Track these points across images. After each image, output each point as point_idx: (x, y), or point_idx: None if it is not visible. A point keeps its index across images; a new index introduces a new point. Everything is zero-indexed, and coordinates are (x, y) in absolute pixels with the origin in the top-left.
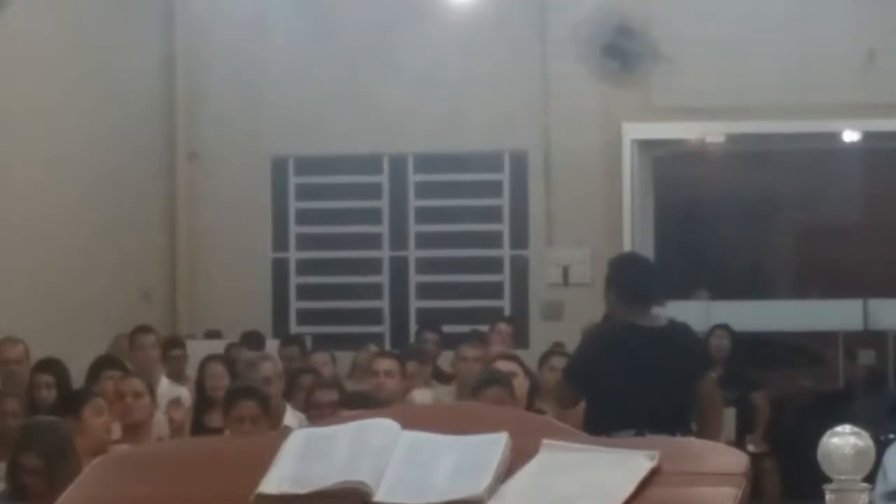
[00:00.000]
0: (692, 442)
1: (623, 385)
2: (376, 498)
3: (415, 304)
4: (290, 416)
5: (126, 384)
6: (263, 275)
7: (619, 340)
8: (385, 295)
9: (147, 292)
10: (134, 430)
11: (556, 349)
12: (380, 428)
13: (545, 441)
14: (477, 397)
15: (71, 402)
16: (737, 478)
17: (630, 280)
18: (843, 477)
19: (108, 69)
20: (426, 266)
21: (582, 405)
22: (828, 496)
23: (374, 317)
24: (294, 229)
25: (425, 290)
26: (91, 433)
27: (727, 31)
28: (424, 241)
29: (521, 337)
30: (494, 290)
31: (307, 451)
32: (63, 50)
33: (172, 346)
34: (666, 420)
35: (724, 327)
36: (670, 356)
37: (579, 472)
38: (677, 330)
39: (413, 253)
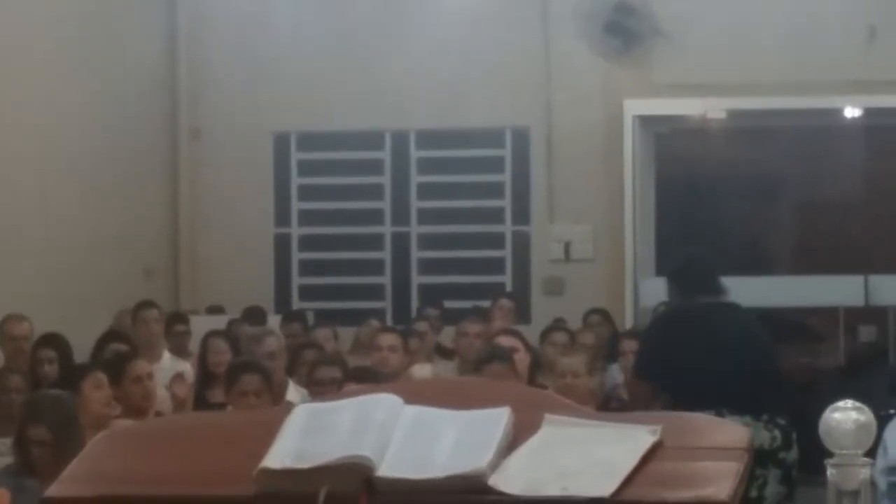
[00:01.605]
0: (694, 416)
1: (695, 361)
2: (379, 473)
3: (417, 279)
4: (293, 392)
5: (139, 367)
6: (266, 250)
7: (684, 317)
8: (387, 270)
9: (149, 268)
10: (137, 408)
11: (558, 324)
12: (382, 403)
13: (548, 416)
14: (479, 373)
15: (73, 376)
16: (738, 452)
17: (692, 277)
18: (844, 451)
19: (110, 47)
20: (428, 242)
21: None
22: (829, 470)
23: (376, 292)
24: (296, 205)
25: (427, 266)
26: (90, 407)
27: (728, 8)
28: (426, 216)
29: (522, 312)
30: (496, 266)
31: (310, 427)
32: (66, 27)
33: (175, 321)
34: (744, 398)
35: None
36: (739, 329)
37: (582, 447)
38: (741, 309)
39: (415, 229)
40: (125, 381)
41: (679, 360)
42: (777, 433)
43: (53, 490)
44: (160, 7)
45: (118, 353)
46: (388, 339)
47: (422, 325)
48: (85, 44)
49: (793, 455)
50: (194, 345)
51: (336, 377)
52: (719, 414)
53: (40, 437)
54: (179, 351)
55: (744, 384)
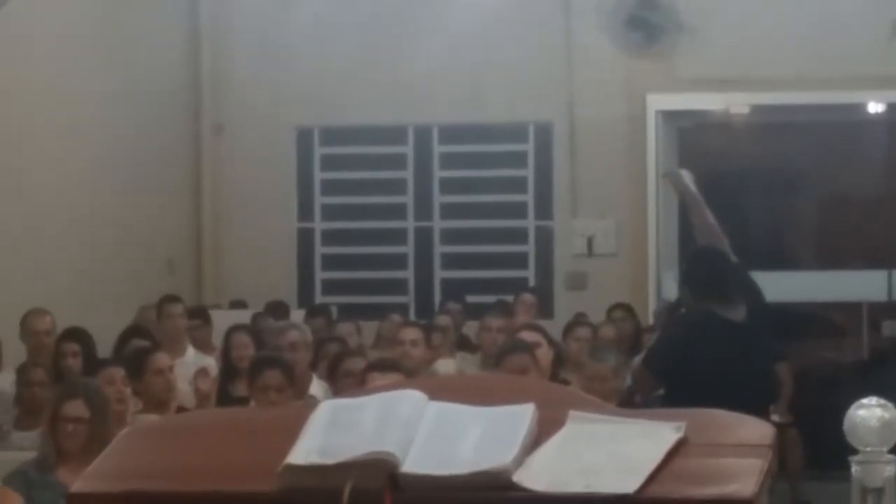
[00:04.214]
0: (718, 413)
1: (703, 377)
2: (403, 469)
3: (439, 274)
4: (316, 386)
5: (160, 359)
6: (289, 245)
7: (703, 332)
8: (410, 265)
9: (172, 263)
10: (157, 401)
11: (580, 319)
12: (407, 399)
13: (572, 412)
14: (499, 365)
15: (91, 371)
16: (763, 449)
17: (702, 277)
18: (868, 449)
19: (134, 43)
20: (451, 237)
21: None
22: (853, 468)
23: (398, 287)
24: (319, 200)
25: (450, 261)
26: None
27: (751, 3)
28: (449, 211)
29: (545, 307)
30: (519, 261)
31: (335, 423)
32: (90, 23)
33: (192, 316)
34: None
35: None
36: (750, 351)
37: (606, 444)
38: (757, 324)
39: (438, 223)
40: (146, 373)
41: (684, 373)
42: None
43: (79, 486)
44: (183, 3)
45: (139, 348)
46: (411, 333)
47: (444, 320)
48: (108, 40)
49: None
50: (217, 339)
51: (361, 368)
52: None
53: (77, 412)
54: (200, 345)
55: (744, 403)
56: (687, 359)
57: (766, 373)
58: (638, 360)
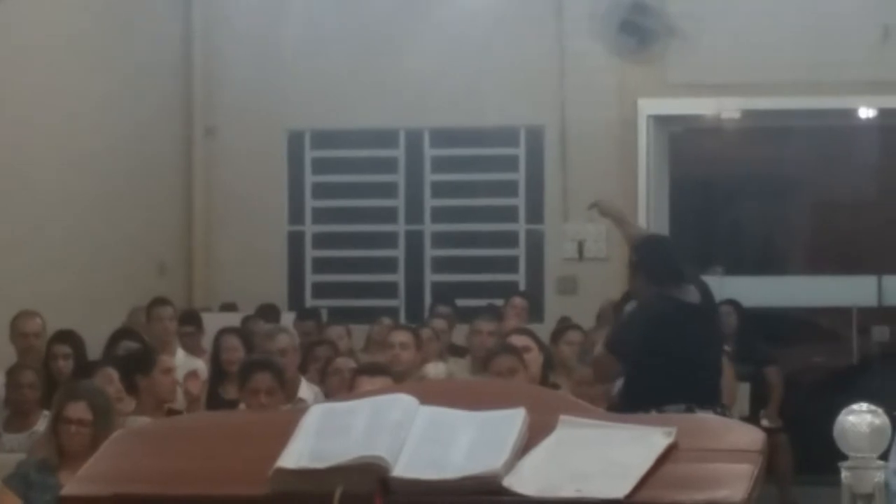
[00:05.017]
0: (709, 419)
1: (669, 359)
2: (394, 473)
3: (430, 277)
4: (305, 389)
5: (166, 360)
6: (279, 248)
7: (665, 315)
8: (400, 269)
9: (163, 265)
10: (151, 403)
11: (566, 324)
12: (398, 403)
13: (563, 417)
14: (488, 367)
15: (87, 372)
16: (753, 454)
17: (657, 263)
18: (858, 454)
19: (125, 45)
20: (441, 240)
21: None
22: (843, 473)
23: (389, 290)
24: (310, 203)
25: (440, 264)
26: None
27: (743, 8)
28: (440, 215)
29: (535, 311)
30: (509, 265)
31: (325, 427)
32: (82, 26)
33: (184, 322)
34: (706, 395)
35: (731, 303)
36: (708, 331)
37: (597, 449)
38: (711, 306)
39: (428, 227)
40: (155, 371)
41: (650, 356)
42: None
43: (70, 489)
44: (175, 5)
45: (139, 348)
46: (401, 336)
47: (436, 323)
48: (99, 42)
49: None
50: (208, 342)
51: (353, 368)
52: (689, 409)
53: (80, 415)
54: (189, 348)
55: (706, 383)
56: (650, 343)
57: (719, 355)
58: (598, 349)
